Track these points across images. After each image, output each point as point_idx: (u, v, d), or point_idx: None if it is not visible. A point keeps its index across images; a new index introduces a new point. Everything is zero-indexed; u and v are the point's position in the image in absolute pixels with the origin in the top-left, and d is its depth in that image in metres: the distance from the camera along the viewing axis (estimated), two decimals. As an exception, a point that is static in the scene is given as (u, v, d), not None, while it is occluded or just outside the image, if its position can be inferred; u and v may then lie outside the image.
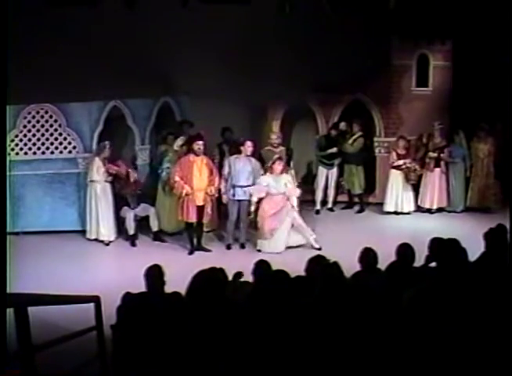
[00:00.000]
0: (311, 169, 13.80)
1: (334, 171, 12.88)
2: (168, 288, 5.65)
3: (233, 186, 10.61)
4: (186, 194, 10.30)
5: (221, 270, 5.10)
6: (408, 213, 12.63)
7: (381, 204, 12.84)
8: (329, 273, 5.21)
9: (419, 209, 12.77)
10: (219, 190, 10.64)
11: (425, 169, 12.67)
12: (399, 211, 12.62)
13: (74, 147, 11.43)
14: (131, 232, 10.96)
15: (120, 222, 11.17)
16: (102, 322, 6.12)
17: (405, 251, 6.27)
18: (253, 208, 10.60)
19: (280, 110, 13.54)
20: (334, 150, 12.70)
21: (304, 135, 13.73)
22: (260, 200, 10.56)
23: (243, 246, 10.79)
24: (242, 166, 10.62)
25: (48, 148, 11.43)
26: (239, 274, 6.50)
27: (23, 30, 8.00)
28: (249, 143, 10.68)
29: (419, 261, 6.32)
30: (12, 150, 11.29)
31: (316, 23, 10.53)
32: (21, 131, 11.32)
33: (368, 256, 6.38)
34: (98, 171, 10.85)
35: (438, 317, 4.04)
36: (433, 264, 6.26)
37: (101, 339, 6.10)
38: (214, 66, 10.28)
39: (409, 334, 4.06)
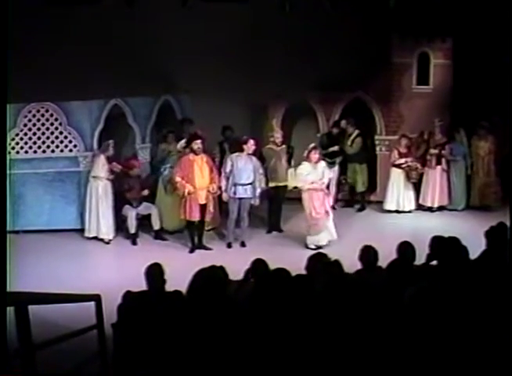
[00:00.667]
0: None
1: (336, 169, 12.87)
2: (169, 287, 5.65)
3: (234, 184, 10.62)
4: (189, 193, 10.31)
5: (222, 268, 5.09)
6: (409, 211, 12.63)
7: (382, 203, 12.84)
8: (330, 271, 5.20)
9: (420, 207, 12.77)
10: (220, 188, 10.64)
11: (426, 167, 12.66)
12: (400, 209, 12.62)
13: (75, 146, 11.43)
14: (133, 230, 10.96)
15: (120, 221, 11.18)
16: (103, 320, 6.12)
17: (405, 249, 6.26)
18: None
19: (281, 109, 13.54)
20: (336, 148, 12.70)
21: (305, 134, 13.71)
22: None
23: (243, 244, 10.80)
24: (243, 164, 10.63)
25: (48, 147, 11.43)
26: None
27: (23, 28, 7.98)
28: (252, 142, 10.71)
29: (419, 259, 6.32)
30: (13, 148, 11.29)
31: (316, 21, 10.52)
32: (21, 130, 11.33)
33: (368, 254, 6.37)
34: (102, 168, 10.86)
35: (439, 315, 4.04)
36: (434, 262, 6.26)
37: (102, 338, 6.10)
38: (214, 65, 10.28)
39: (410, 332, 4.05)
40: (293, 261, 6.11)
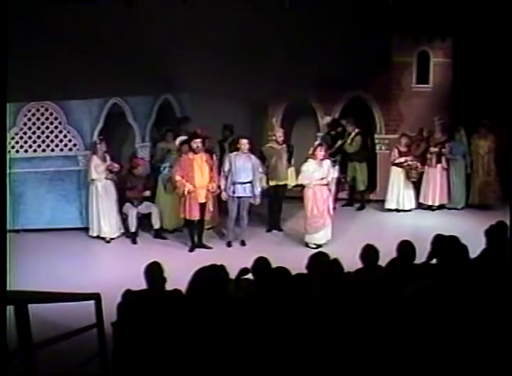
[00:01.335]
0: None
1: (336, 168, 12.86)
2: (169, 285, 5.64)
3: (233, 183, 10.61)
4: (188, 192, 10.31)
5: (222, 267, 5.09)
6: (409, 210, 12.64)
7: (382, 202, 12.84)
8: (329, 270, 5.20)
9: (420, 206, 12.77)
10: (219, 187, 10.64)
11: (426, 166, 12.66)
12: (400, 208, 12.63)
13: (75, 145, 11.43)
14: (133, 229, 10.97)
15: (122, 219, 11.18)
16: (103, 319, 6.12)
17: (405, 248, 6.26)
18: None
19: (281, 107, 13.55)
20: (338, 143, 12.67)
21: (305, 132, 13.72)
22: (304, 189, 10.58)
23: (243, 243, 10.80)
24: (242, 163, 10.62)
25: (48, 145, 11.43)
26: (244, 271, 6.44)
27: (22, 27, 7.99)
28: (244, 141, 10.67)
29: (419, 258, 6.32)
30: (13, 147, 11.29)
31: (316, 19, 10.51)
32: (21, 129, 11.33)
33: (369, 253, 6.37)
34: (96, 170, 10.86)
35: (438, 314, 4.03)
36: (433, 261, 6.26)
37: (101, 337, 6.10)
38: (214, 63, 10.27)
39: (410, 330, 4.05)
40: (294, 260, 6.10)
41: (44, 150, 11.42)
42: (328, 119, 13.13)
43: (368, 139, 13.24)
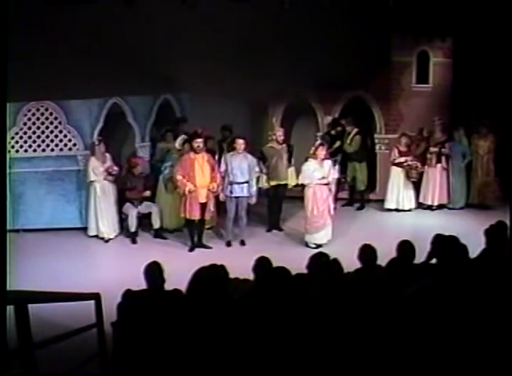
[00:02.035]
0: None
1: (336, 168, 12.86)
2: (169, 285, 5.64)
3: (231, 183, 10.61)
4: (189, 192, 10.31)
5: (222, 267, 5.09)
6: (409, 210, 12.64)
7: (382, 201, 12.84)
8: (329, 270, 5.20)
9: (419, 206, 12.77)
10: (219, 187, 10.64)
11: (426, 166, 12.67)
12: (400, 208, 12.63)
13: (74, 144, 11.43)
14: (133, 229, 10.97)
15: (121, 219, 11.18)
16: (103, 319, 6.13)
17: (405, 248, 6.26)
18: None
19: (281, 107, 13.55)
20: (338, 143, 12.68)
21: (305, 132, 13.72)
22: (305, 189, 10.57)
23: (243, 243, 10.80)
24: (238, 163, 10.62)
25: (48, 145, 11.43)
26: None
27: (22, 27, 7.97)
28: (240, 141, 10.68)
29: (419, 258, 6.32)
30: (13, 147, 11.29)
31: (316, 19, 10.51)
32: (21, 129, 11.33)
33: (367, 252, 6.37)
34: (94, 171, 10.87)
35: (438, 314, 4.04)
36: (433, 261, 6.26)
37: (101, 336, 6.10)
38: (214, 63, 10.26)
39: (410, 330, 4.05)
40: (294, 259, 6.11)
41: (44, 150, 11.42)
42: (329, 119, 13.14)
43: (368, 138, 13.25)
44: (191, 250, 10.56)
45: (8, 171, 10.71)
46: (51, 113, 11.37)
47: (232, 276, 5.48)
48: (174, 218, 11.21)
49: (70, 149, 11.45)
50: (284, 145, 11.56)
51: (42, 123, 11.39)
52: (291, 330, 4.53)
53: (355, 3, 10.62)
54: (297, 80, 11.66)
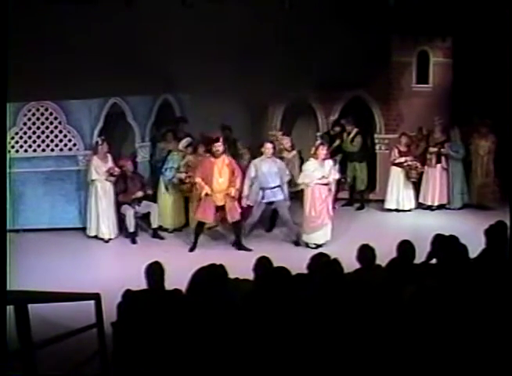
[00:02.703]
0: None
1: (336, 168, 12.85)
2: (169, 285, 5.65)
3: (262, 189, 10.59)
4: (206, 195, 10.31)
5: (222, 267, 5.10)
6: (409, 210, 12.63)
7: (382, 201, 12.84)
8: (329, 270, 5.20)
9: (419, 206, 12.77)
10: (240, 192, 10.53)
11: (426, 166, 12.66)
12: (400, 208, 12.62)
13: (74, 144, 11.43)
14: (131, 229, 10.96)
15: (121, 220, 11.18)
16: (103, 319, 6.12)
17: (405, 248, 6.27)
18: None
19: (281, 107, 13.54)
20: (337, 142, 12.66)
21: (305, 132, 13.72)
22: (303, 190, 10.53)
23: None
24: (268, 168, 10.60)
25: (48, 145, 11.43)
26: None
27: (23, 27, 7.98)
28: (268, 145, 10.68)
29: (419, 258, 6.32)
30: (13, 147, 11.29)
31: (316, 19, 10.52)
32: (21, 129, 11.33)
33: (366, 253, 6.37)
34: (96, 171, 10.87)
35: (438, 314, 4.04)
36: (433, 261, 6.27)
37: (101, 336, 6.10)
38: (214, 64, 10.27)
39: (410, 330, 4.06)
40: (294, 260, 6.11)
41: (44, 150, 11.42)
42: (332, 119, 13.13)
43: (368, 138, 13.23)
44: (191, 250, 10.56)
45: (8, 171, 10.70)
46: (51, 113, 11.36)
47: (232, 275, 5.50)
48: (174, 219, 11.25)
49: (70, 149, 11.44)
50: (294, 151, 11.54)
51: (42, 123, 11.38)
52: (291, 330, 4.53)
53: (354, 3, 10.63)
54: (297, 80, 11.65)
